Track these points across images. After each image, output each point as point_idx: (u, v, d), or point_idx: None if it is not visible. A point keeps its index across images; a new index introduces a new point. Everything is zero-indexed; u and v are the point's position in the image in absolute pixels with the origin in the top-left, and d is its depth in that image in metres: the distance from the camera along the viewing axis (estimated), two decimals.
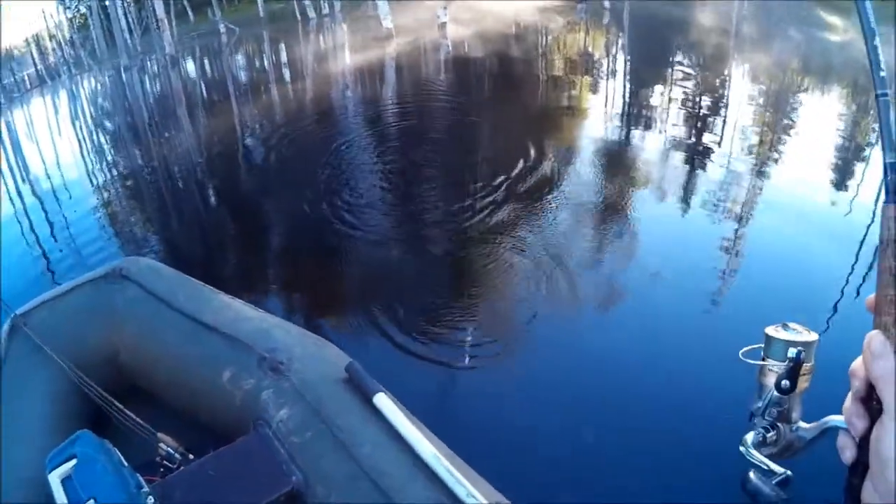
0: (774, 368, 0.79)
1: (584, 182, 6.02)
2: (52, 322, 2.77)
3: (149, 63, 20.06)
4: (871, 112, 6.95)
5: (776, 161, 6.53)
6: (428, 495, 1.94)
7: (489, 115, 8.44)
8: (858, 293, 3.90)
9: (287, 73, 15.06)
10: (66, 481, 1.98)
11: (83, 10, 30.56)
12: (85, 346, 2.75)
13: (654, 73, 10.98)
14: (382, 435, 2.14)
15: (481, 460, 2.18)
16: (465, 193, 5.93)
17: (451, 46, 15.84)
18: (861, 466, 0.64)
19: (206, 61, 21.57)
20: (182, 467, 2.29)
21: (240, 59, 20.87)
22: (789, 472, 0.80)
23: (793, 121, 7.86)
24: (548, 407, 3.40)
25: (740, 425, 0.82)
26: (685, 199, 5.72)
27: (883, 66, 0.65)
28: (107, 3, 23.99)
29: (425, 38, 16.83)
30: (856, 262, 4.32)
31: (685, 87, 9.68)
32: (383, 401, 2.23)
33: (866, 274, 4.06)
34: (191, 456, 2.34)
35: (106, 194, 6.69)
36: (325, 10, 27.78)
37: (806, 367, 0.77)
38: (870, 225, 4.79)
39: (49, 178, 6.90)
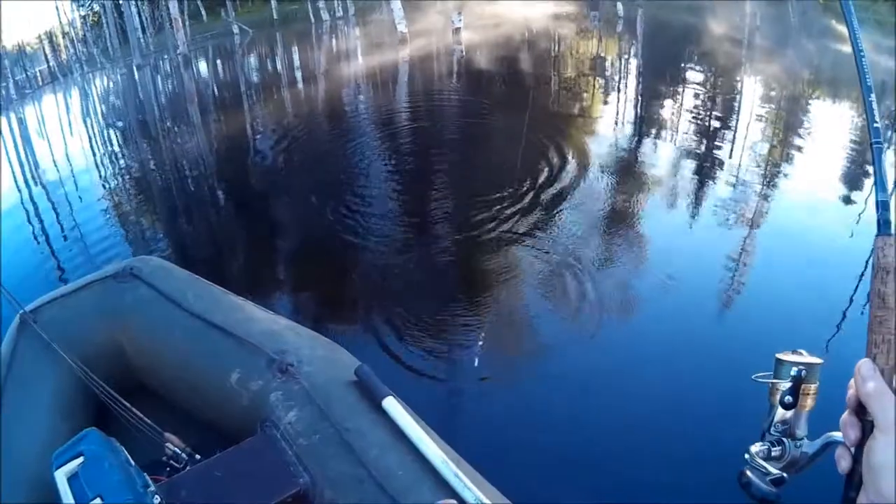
0: (781, 387, 0.83)
1: (596, 191, 6.00)
2: (61, 319, 2.76)
3: (161, 62, 20.12)
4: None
5: (787, 174, 6.50)
6: (435, 499, 1.93)
7: (502, 120, 8.42)
8: (863, 313, 3.88)
9: (300, 76, 15.09)
10: (72, 479, 1.97)
11: (97, 7, 30.69)
12: (93, 343, 2.75)
13: (666, 82, 10.96)
14: (391, 438, 2.13)
15: (489, 465, 2.17)
16: (477, 200, 5.92)
17: (464, 51, 15.84)
18: (856, 477, 0.70)
19: (218, 62, 21.62)
20: (188, 467, 2.29)
21: (252, 60, 20.90)
22: (784, 474, 0.83)
23: (803, 133, 7.82)
24: (556, 414, 3.39)
25: (748, 439, 0.85)
26: (697, 212, 5.69)
27: (877, 118, 0.77)
28: (120, 1, 24.09)
29: (439, 43, 16.85)
30: (858, 284, 4.29)
31: (697, 96, 9.65)
32: (392, 404, 2.22)
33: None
34: (197, 456, 2.34)
35: (116, 193, 6.69)
36: (339, 13, 27.82)
37: (810, 387, 0.82)
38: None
39: (60, 175, 6.90)
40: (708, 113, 8.85)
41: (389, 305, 4.43)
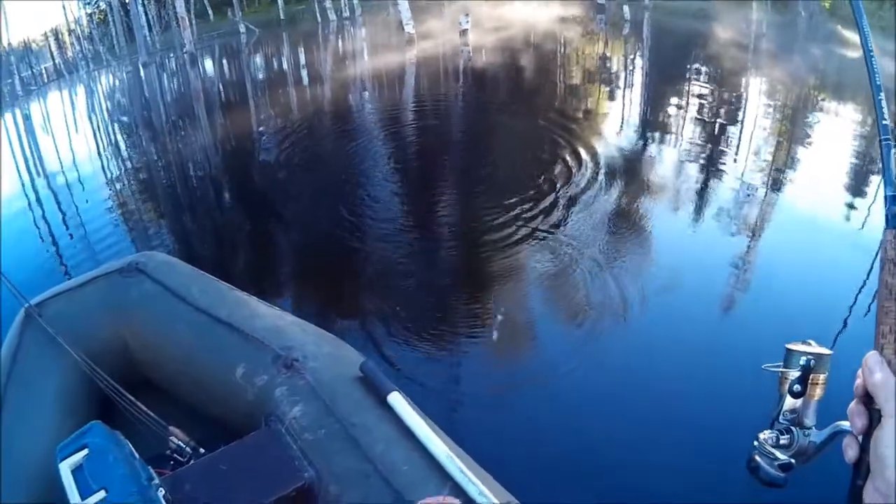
0: (790, 376, 0.84)
1: (603, 190, 5.97)
2: (66, 313, 2.76)
3: (168, 60, 20.13)
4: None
5: (793, 175, 6.48)
6: (440, 494, 1.92)
7: (509, 120, 8.42)
8: (869, 309, 3.88)
9: (306, 75, 15.07)
10: (76, 472, 1.96)
11: (103, 5, 30.72)
12: (98, 338, 2.74)
13: (673, 84, 10.93)
14: (396, 433, 2.13)
15: (493, 461, 2.17)
16: (484, 200, 5.92)
17: (471, 53, 15.83)
18: (864, 466, 0.72)
19: (224, 61, 21.61)
20: (192, 461, 2.28)
21: (258, 59, 20.89)
22: (792, 460, 0.84)
23: (809, 135, 7.79)
24: (561, 411, 3.39)
25: (757, 427, 0.86)
26: (705, 209, 5.69)
27: (887, 117, 0.82)
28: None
29: (446, 44, 16.83)
30: (868, 278, 4.28)
31: (702, 100, 9.63)
32: (397, 400, 2.22)
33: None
34: (201, 450, 2.33)
35: (122, 190, 6.69)
36: (346, 13, 27.82)
37: (819, 377, 0.83)
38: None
39: (64, 172, 6.90)
40: (715, 113, 8.83)
41: (395, 302, 4.43)
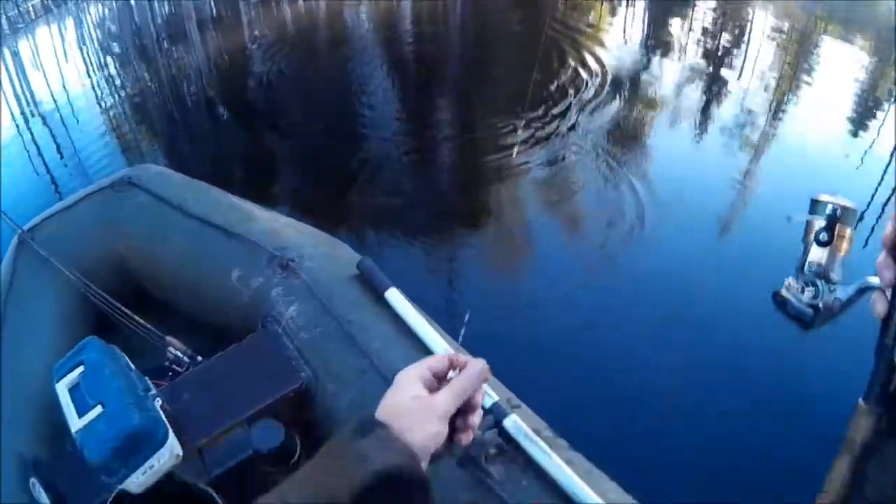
0: (816, 225, 0.82)
1: (606, 103, 5.74)
2: (60, 235, 2.70)
3: None
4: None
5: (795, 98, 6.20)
6: None
7: (511, 28, 8.14)
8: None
9: None
10: (73, 390, 1.91)
11: None
12: (93, 255, 2.69)
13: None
14: (393, 330, 2.09)
15: (491, 354, 2.11)
16: (482, 105, 5.80)
17: None
18: (892, 322, 0.69)
19: None
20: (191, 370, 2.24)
21: None
22: (820, 303, 0.81)
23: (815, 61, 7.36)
24: (563, 316, 3.37)
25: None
26: (707, 125, 5.50)
27: None
28: None
29: None
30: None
31: (706, 18, 9.12)
32: (395, 296, 2.17)
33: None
34: (199, 358, 2.29)
35: (114, 114, 6.59)
36: None
37: (845, 230, 0.81)
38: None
39: (56, 103, 6.78)
40: (719, 32, 8.38)
41: (394, 204, 4.40)
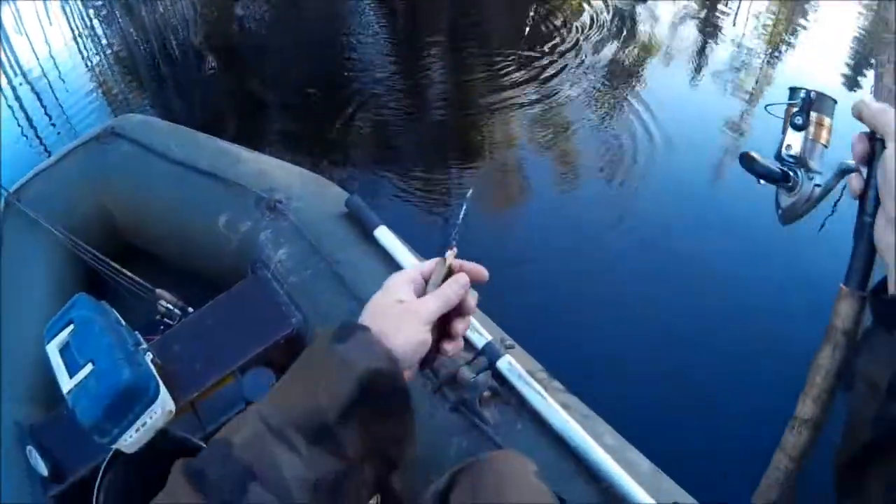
0: (792, 110, 0.82)
1: (602, 48, 5.55)
2: (46, 193, 2.63)
3: None
4: None
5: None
6: None
7: None
8: None
9: None
10: (63, 350, 1.88)
11: None
12: (80, 211, 2.64)
13: None
14: (383, 269, 2.05)
15: (484, 294, 2.07)
16: (475, 43, 5.64)
17: None
18: (868, 200, 0.71)
19: None
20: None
21: None
22: (791, 172, 0.82)
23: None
24: (555, 249, 3.32)
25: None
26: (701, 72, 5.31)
27: None
28: None
29: None
30: None
31: None
32: (384, 234, 2.12)
33: None
34: (190, 309, 2.25)
35: (100, 70, 6.49)
36: None
37: (823, 118, 0.80)
38: None
39: (41, 65, 6.68)
40: None
41: (382, 142, 4.35)
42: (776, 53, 5.64)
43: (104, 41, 7.42)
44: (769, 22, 6.32)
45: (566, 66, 5.07)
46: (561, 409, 1.62)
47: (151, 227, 2.64)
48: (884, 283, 0.67)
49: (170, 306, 2.24)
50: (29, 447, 1.89)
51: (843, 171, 0.79)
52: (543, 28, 5.81)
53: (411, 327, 0.80)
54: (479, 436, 1.63)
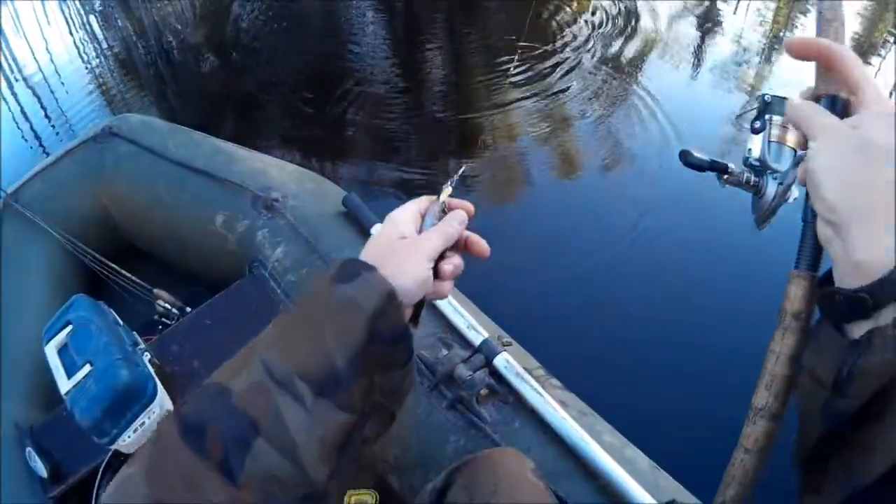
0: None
1: (602, 42, 5.54)
2: (45, 194, 2.64)
3: None
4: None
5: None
6: (426, 323, 1.84)
7: None
8: None
9: None
10: (62, 351, 1.89)
11: None
12: (79, 211, 2.64)
13: None
14: None
15: (481, 291, 2.07)
16: (473, 43, 5.64)
17: None
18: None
19: None
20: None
21: None
22: (731, 165, 0.85)
23: None
24: (554, 245, 3.33)
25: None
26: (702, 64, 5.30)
27: None
28: None
29: None
30: None
31: None
32: None
33: None
34: (188, 309, 2.26)
35: (99, 70, 6.50)
36: None
37: (781, 119, 0.80)
38: None
39: (40, 66, 6.69)
40: None
41: (379, 138, 4.33)
42: (776, 47, 5.63)
43: (102, 41, 7.44)
44: (769, 16, 6.33)
45: (566, 60, 5.06)
46: (558, 407, 1.62)
47: (149, 227, 2.64)
48: (830, 274, 0.65)
49: (168, 306, 2.24)
50: (28, 448, 1.89)
51: (797, 161, 0.79)
52: (543, 24, 5.81)
53: (416, 264, 0.77)
54: (476, 433, 1.63)
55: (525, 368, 1.72)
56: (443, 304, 1.85)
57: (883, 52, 5.56)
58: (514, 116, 4.47)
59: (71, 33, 7.54)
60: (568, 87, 4.70)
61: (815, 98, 0.70)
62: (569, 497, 1.44)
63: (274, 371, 0.65)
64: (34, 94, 6.07)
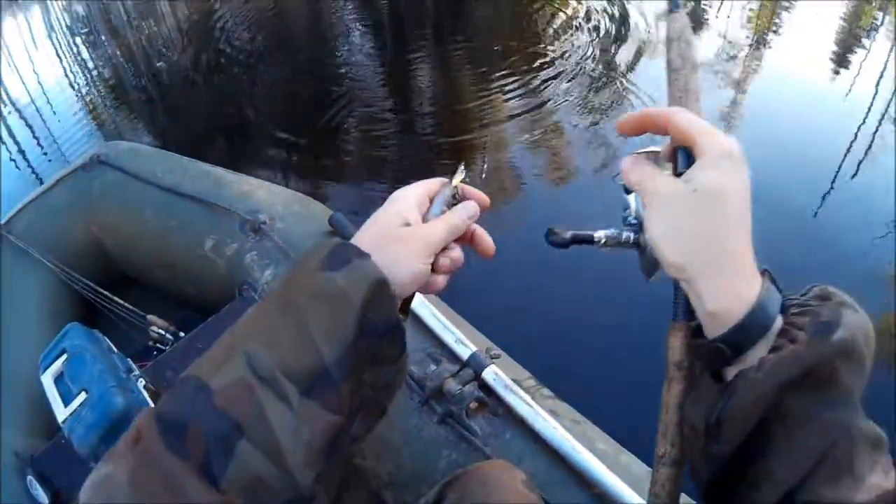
0: None
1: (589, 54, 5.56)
2: (36, 223, 2.66)
3: None
4: None
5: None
6: (415, 341, 1.85)
7: None
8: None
9: None
10: (58, 380, 1.91)
11: None
12: (70, 240, 2.66)
13: None
14: None
15: (471, 303, 2.10)
16: (463, 59, 5.64)
17: None
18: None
19: None
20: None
21: None
22: (597, 234, 0.83)
23: None
24: (543, 255, 3.31)
25: None
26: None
27: None
28: None
29: None
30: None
31: None
32: None
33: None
34: (181, 334, 2.27)
35: (88, 96, 6.53)
36: None
37: None
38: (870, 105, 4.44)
39: (29, 93, 6.72)
40: None
41: (366, 158, 4.37)
42: (761, 47, 5.65)
43: (90, 64, 7.47)
44: (752, 16, 6.36)
45: (556, 69, 5.08)
46: (549, 417, 1.63)
47: (140, 254, 2.66)
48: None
49: (162, 332, 2.26)
50: (29, 477, 1.91)
51: None
52: (532, 32, 5.84)
53: (415, 258, 0.72)
54: (468, 447, 1.64)
55: (515, 380, 1.73)
56: (430, 320, 1.87)
57: (868, 40, 5.58)
58: (505, 127, 4.50)
59: (60, 59, 7.58)
60: (557, 99, 4.72)
61: (674, 150, 0.69)
62: None
63: (257, 367, 0.61)
64: (26, 123, 6.09)
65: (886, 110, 4.35)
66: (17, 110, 6.41)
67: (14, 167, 5.29)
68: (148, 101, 6.28)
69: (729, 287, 0.61)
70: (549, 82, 4.92)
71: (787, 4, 6.30)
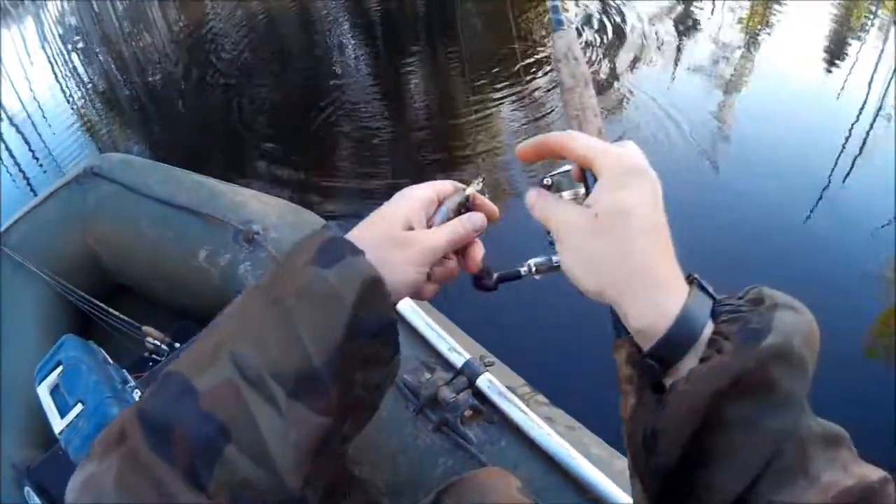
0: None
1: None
2: (31, 236, 2.67)
3: None
4: None
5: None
6: (409, 348, 1.86)
7: None
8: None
9: None
10: (54, 391, 1.92)
11: None
12: (65, 252, 2.67)
13: None
14: None
15: (463, 312, 2.10)
16: (455, 69, 5.63)
17: None
18: None
19: None
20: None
21: None
22: (523, 269, 0.83)
23: None
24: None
25: None
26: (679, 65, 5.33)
27: None
28: None
29: None
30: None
31: None
32: None
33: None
34: (177, 345, 2.28)
35: (83, 108, 6.54)
36: None
37: (578, 192, 0.73)
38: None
39: (23, 105, 6.72)
40: None
41: (360, 170, 4.35)
42: (752, 47, 5.66)
43: (84, 75, 7.47)
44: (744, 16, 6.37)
45: (547, 73, 5.09)
46: (543, 423, 1.63)
47: (135, 265, 2.66)
48: None
49: (157, 343, 2.26)
50: (27, 488, 1.91)
51: None
52: (524, 39, 5.83)
53: (411, 267, 0.70)
54: (463, 455, 1.64)
55: (509, 387, 1.73)
56: (423, 328, 1.87)
57: (861, 37, 5.59)
58: (498, 135, 4.51)
59: (54, 71, 7.59)
60: (551, 102, 4.72)
61: (581, 170, 0.69)
62: None
63: (244, 368, 0.58)
64: (20, 132, 6.09)
65: (880, 108, 4.35)
66: (11, 121, 6.42)
67: (9, 178, 5.29)
68: (141, 112, 6.28)
69: (648, 303, 0.61)
70: (544, 86, 4.93)
71: (778, 8, 6.29)
